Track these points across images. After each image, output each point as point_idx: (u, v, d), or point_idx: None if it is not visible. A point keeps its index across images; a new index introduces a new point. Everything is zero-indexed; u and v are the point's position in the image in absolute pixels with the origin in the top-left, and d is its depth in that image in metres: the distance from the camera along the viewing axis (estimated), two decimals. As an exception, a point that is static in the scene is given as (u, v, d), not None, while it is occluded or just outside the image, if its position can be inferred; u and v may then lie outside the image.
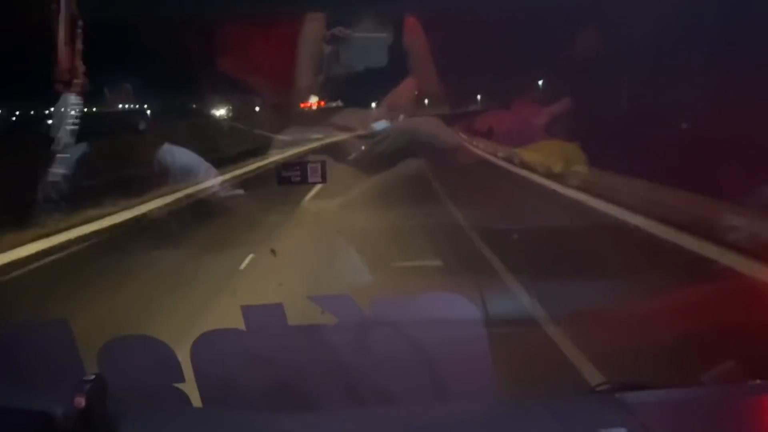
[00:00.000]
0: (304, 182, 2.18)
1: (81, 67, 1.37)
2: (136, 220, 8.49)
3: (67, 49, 1.33)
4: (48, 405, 1.22)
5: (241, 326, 1.75)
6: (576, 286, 3.66)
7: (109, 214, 8.63)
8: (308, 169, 2.15)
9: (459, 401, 1.67)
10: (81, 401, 1.08)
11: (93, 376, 1.14)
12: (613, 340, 2.75)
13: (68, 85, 1.38)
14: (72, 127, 1.47)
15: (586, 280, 3.87)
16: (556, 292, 3.78)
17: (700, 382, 1.66)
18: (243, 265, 5.96)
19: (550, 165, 8.53)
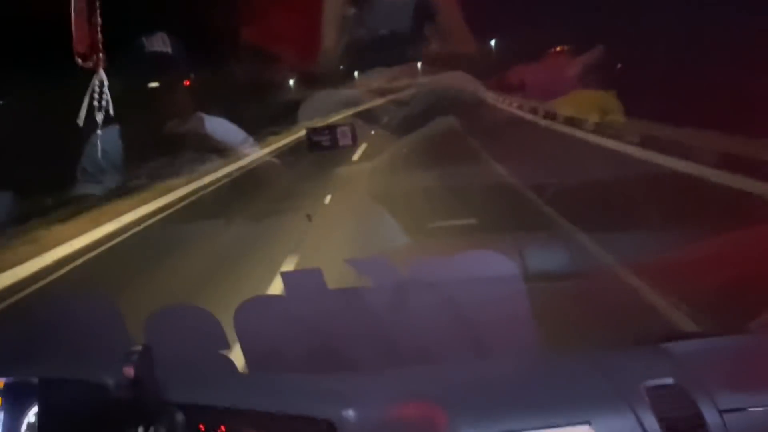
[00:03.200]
0: (335, 146, 2.18)
1: (101, 40, 1.36)
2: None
3: (84, 22, 1.32)
4: (99, 375, 1.26)
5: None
6: (629, 233, 3.64)
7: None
8: (338, 133, 2.14)
9: (498, 358, 1.67)
10: (130, 371, 1.12)
11: (139, 347, 1.17)
12: (678, 285, 2.73)
13: (88, 60, 1.37)
14: (105, 105, 1.47)
15: (644, 229, 3.84)
16: (610, 239, 3.78)
17: (747, 330, 1.62)
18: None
19: (585, 116, 8.34)
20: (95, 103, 1.43)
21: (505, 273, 1.73)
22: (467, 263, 1.78)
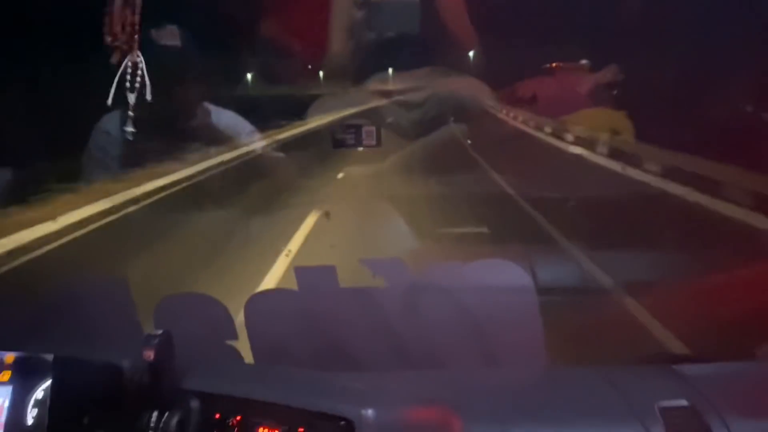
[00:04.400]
0: (359, 145, 2.19)
1: (137, 22, 1.37)
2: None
3: (121, 3, 1.32)
4: (114, 357, 1.26)
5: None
6: (633, 256, 3.65)
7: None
8: (363, 132, 2.15)
9: (511, 367, 1.67)
10: (150, 354, 1.11)
11: (160, 332, 1.17)
12: (677, 311, 2.74)
13: (125, 42, 1.37)
14: (137, 86, 1.47)
15: (643, 250, 3.85)
16: (615, 261, 3.78)
17: (758, 356, 1.63)
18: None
19: (594, 135, 8.30)
20: (127, 84, 1.43)
21: (519, 283, 1.73)
22: (481, 271, 1.78)
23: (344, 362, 1.72)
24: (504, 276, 1.76)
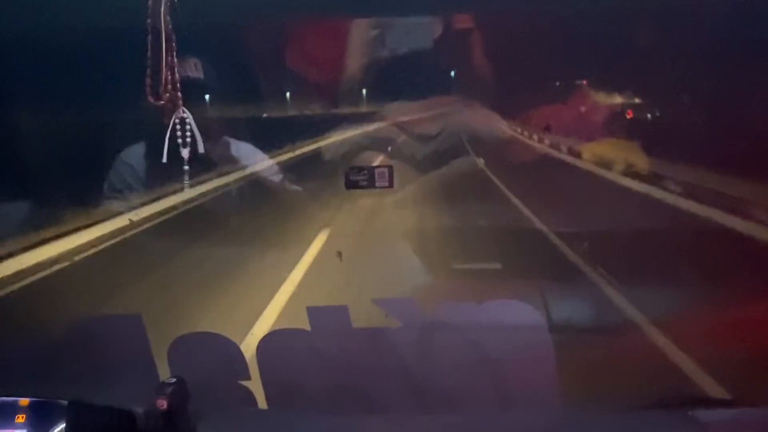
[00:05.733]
0: (371, 186, 2.21)
1: (178, 80, 1.42)
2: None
3: (167, 62, 1.37)
4: (128, 403, 1.26)
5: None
6: (668, 291, 3.58)
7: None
8: (375, 174, 2.18)
9: (525, 409, 1.65)
10: (163, 403, 1.12)
11: (174, 379, 1.18)
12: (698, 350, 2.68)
13: (169, 100, 1.42)
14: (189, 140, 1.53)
15: (674, 285, 3.77)
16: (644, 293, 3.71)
17: None
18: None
19: (609, 163, 8.24)
20: (178, 140, 1.49)
21: (532, 323, 1.72)
22: (494, 311, 1.77)
23: (358, 403, 1.71)
24: (519, 315, 1.75)
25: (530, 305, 1.76)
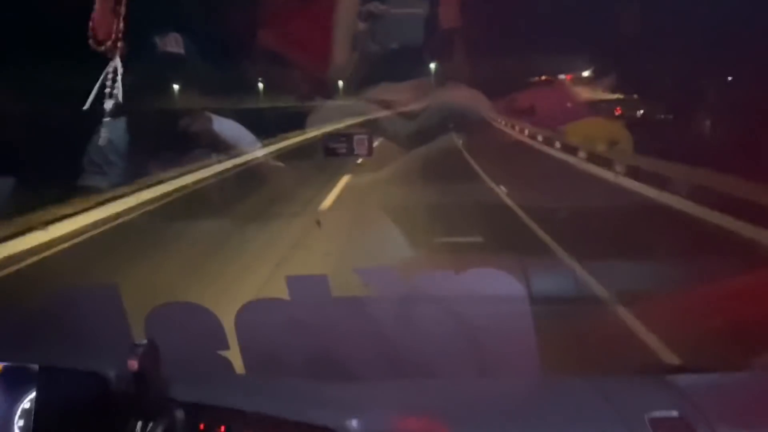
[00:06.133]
0: (350, 154, 2.18)
1: (122, 30, 1.37)
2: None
3: (108, 8, 1.32)
4: (100, 366, 1.25)
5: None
6: (627, 266, 3.63)
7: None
8: (354, 141, 2.14)
9: (503, 377, 1.66)
10: (134, 364, 1.10)
11: (145, 341, 1.16)
12: (669, 322, 2.71)
13: (109, 49, 1.37)
14: (117, 93, 1.47)
15: (637, 261, 3.84)
16: (608, 272, 3.76)
17: (749, 367, 1.61)
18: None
19: (592, 144, 8.27)
20: (106, 90, 1.43)
21: (512, 293, 1.72)
22: (473, 280, 1.77)
23: (336, 371, 1.71)
24: (497, 285, 1.75)
25: (509, 275, 1.76)
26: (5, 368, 1.32)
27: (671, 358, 2.92)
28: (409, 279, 1.81)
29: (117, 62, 1.41)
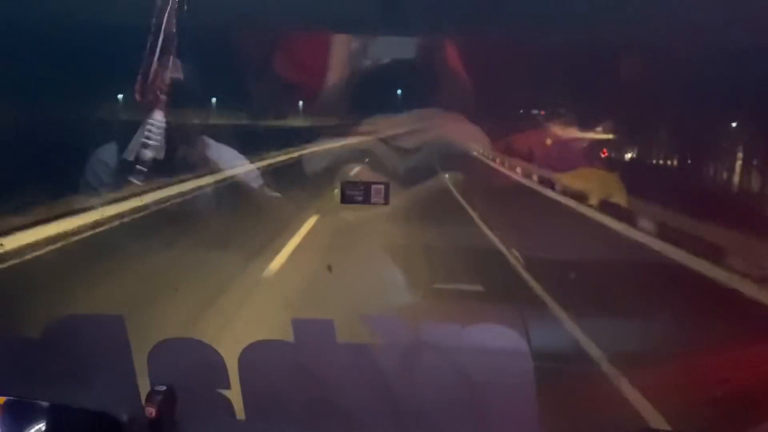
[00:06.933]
0: (367, 202, 2.22)
1: (167, 85, 1.40)
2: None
3: (160, 64, 1.36)
4: (112, 408, 1.24)
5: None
6: (624, 324, 3.63)
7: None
8: (372, 190, 2.19)
9: (504, 432, 1.66)
10: (152, 411, 1.10)
11: (164, 388, 1.16)
12: (669, 386, 2.71)
13: (155, 101, 1.40)
14: (155, 142, 1.50)
15: (635, 319, 3.83)
16: (606, 329, 3.74)
17: None
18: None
19: (588, 193, 8.28)
20: (146, 140, 1.46)
21: (516, 349, 1.73)
22: (479, 334, 1.79)
23: (337, 419, 1.70)
24: (502, 341, 1.76)
25: (513, 331, 1.78)
26: (8, 402, 1.30)
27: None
28: (414, 328, 1.82)
29: (160, 114, 1.44)
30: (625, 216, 7.60)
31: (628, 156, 9.79)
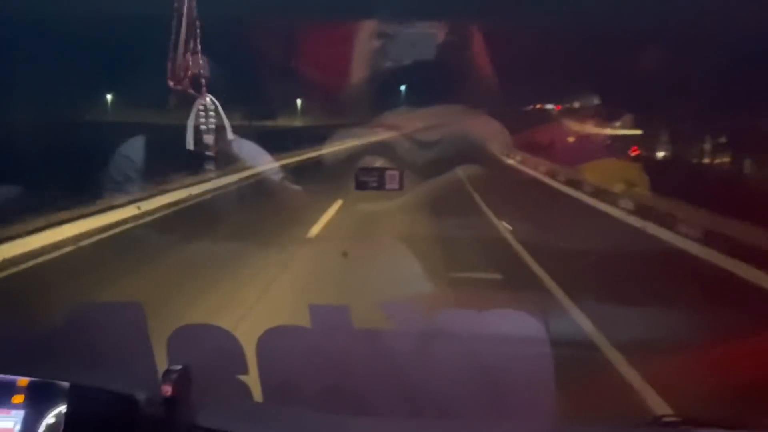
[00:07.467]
0: (381, 188, 2.21)
1: (201, 66, 1.42)
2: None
3: (188, 47, 1.37)
4: (130, 389, 1.26)
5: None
6: (635, 313, 3.57)
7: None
8: (386, 176, 2.18)
9: (518, 419, 1.65)
10: (168, 390, 1.12)
11: (179, 367, 1.18)
12: (677, 373, 2.66)
13: (190, 84, 1.42)
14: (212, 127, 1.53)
15: (643, 307, 3.77)
16: (616, 317, 3.69)
17: (762, 425, 1.61)
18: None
19: (609, 185, 8.07)
20: (202, 126, 1.49)
21: (533, 335, 1.72)
22: (495, 320, 1.78)
23: (353, 404, 1.71)
24: (519, 327, 1.76)
25: (530, 317, 1.77)
26: (32, 383, 1.33)
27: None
28: (430, 315, 1.82)
29: (206, 99, 1.47)
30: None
31: (660, 154, 9.40)
